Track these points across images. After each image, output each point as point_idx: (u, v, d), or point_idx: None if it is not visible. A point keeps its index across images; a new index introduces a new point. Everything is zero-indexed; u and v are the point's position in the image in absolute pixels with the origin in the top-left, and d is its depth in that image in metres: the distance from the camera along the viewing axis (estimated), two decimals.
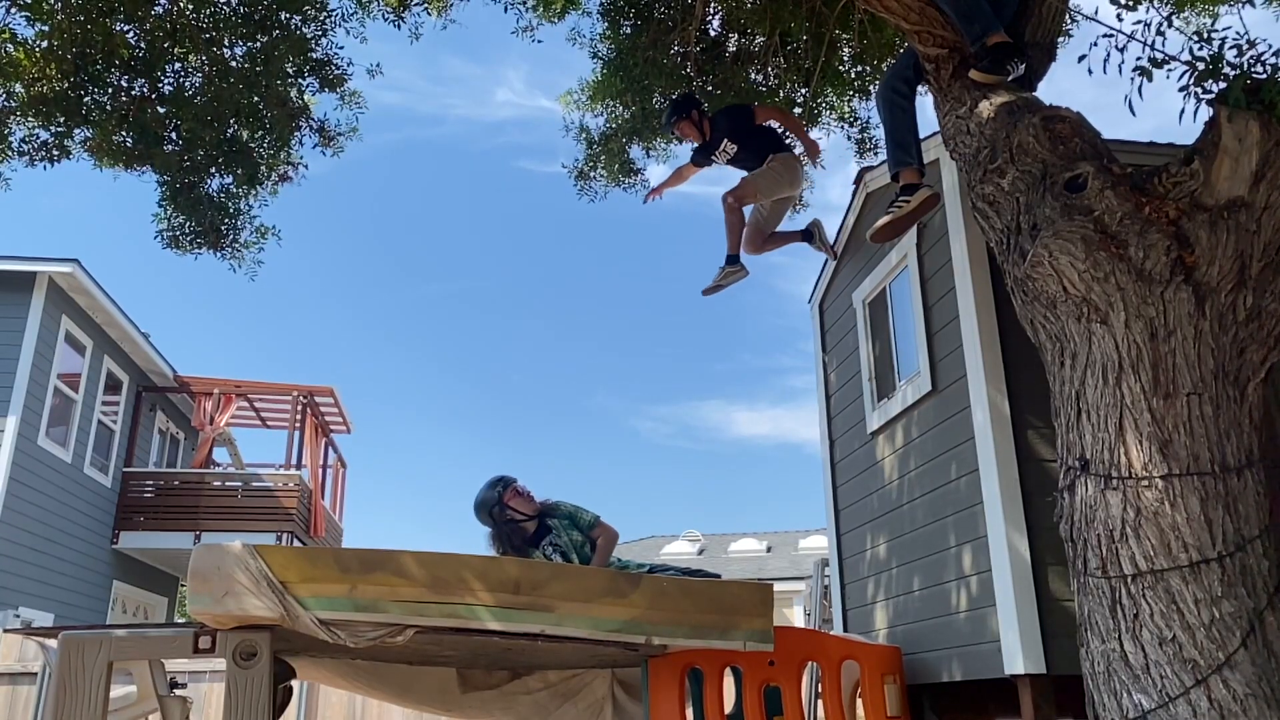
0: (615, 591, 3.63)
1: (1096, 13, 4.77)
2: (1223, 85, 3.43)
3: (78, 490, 12.68)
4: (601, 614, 3.57)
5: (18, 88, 6.33)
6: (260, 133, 6.98)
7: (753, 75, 7.43)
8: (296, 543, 14.37)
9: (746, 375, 61.90)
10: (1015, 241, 3.64)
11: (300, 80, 7.00)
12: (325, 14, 6.72)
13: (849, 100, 7.77)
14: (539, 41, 7.25)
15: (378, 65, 7.06)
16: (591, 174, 7.90)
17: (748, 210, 6.21)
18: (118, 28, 6.32)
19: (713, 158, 6.28)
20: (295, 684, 5.35)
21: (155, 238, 7.02)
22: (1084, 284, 3.31)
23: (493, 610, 3.45)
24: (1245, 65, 3.42)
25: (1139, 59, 3.66)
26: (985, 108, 3.95)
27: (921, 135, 4.51)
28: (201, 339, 57.35)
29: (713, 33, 7.33)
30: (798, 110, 7.67)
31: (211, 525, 13.75)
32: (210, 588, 3.31)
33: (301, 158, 7.36)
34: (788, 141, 6.36)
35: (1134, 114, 3.62)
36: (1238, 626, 2.93)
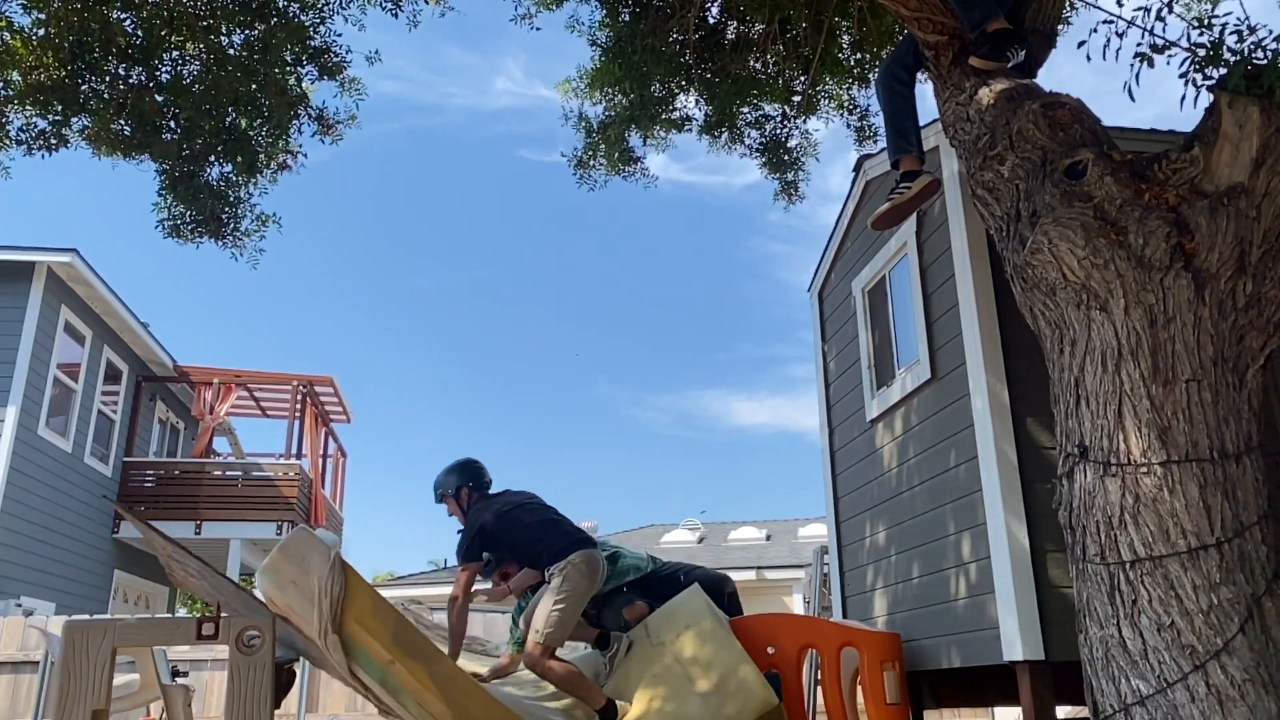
0: None
1: None
2: (1223, 71, 3.42)
3: (78, 480, 12.69)
4: None
5: (15, 76, 6.31)
6: (259, 121, 6.95)
7: (751, 63, 7.40)
8: None
9: (746, 364, 61.94)
10: (1015, 228, 3.64)
11: (299, 68, 6.97)
12: (323, 1, 6.70)
13: (848, 88, 7.75)
14: (537, 29, 7.22)
15: (376, 53, 7.02)
16: (591, 162, 7.89)
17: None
18: (115, 16, 6.29)
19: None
20: (297, 667, 5.37)
21: (156, 227, 7.00)
22: (1083, 271, 3.31)
23: None
24: (1246, 51, 3.41)
25: (1139, 45, 3.65)
26: (985, 94, 3.94)
27: (921, 122, 4.50)
28: (201, 329, 57.36)
29: (711, 20, 7.30)
30: (796, 99, 7.66)
31: (212, 515, 13.77)
32: (286, 571, 3.35)
33: (300, 146, 7.34)
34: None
35: (1133, 100, 3.62)
36: (1236, 612, 2.94)
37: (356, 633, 3.37)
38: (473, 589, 4.91)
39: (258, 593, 3.56)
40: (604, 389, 61.59)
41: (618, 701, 4.57)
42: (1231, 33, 3.47)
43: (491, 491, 5.15)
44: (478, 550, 4.86)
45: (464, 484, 5.12)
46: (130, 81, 6.58)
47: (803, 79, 7.49)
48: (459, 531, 5.01)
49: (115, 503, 4.38)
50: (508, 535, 4.91)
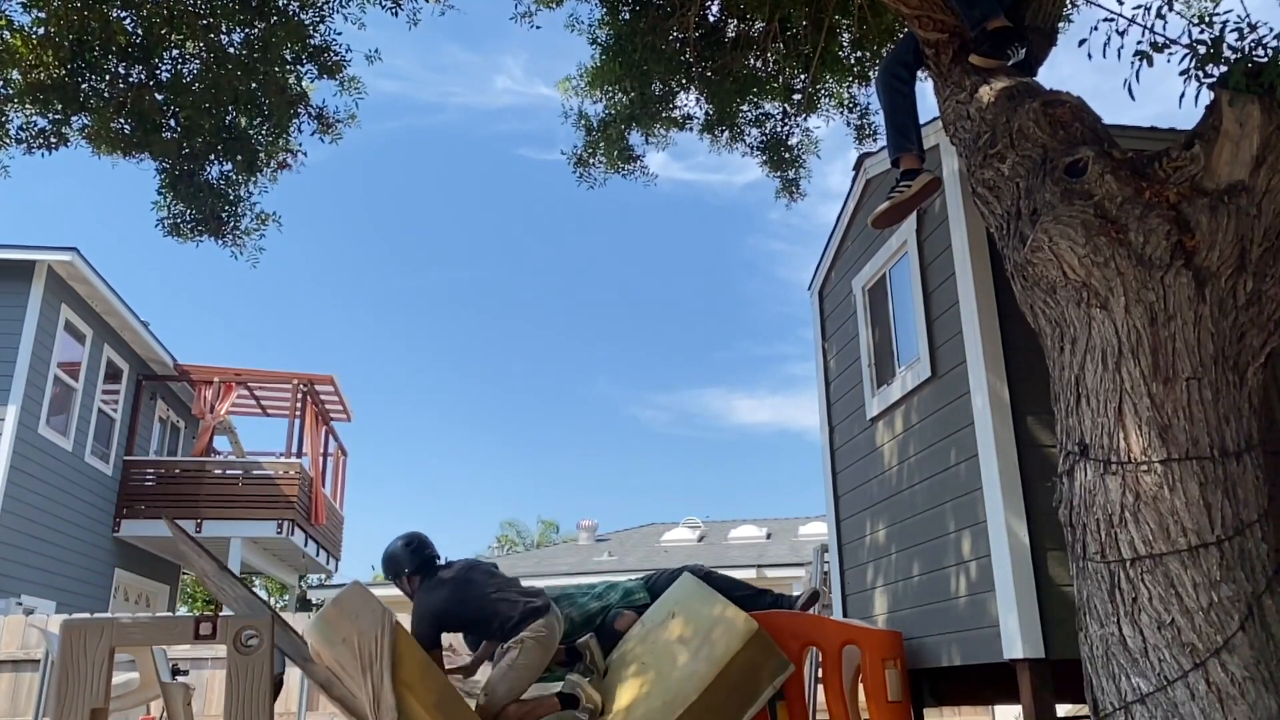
0: None
1: None
2: (1224, 69, 3.41)
3: (79, 479, 12.70)
4: None
5: (15, 75, 6.31)
6: (259, 120, 6.95)
7: (752, 61, 7.40)
8: (298, 530, 14.41)
9: (746, 363, 61.89)
10: (1015, 226, 3.63)
11: (299, 67, 6.97)
12: None
13: (848, 86, 7.74)
14: (537, 28, 7.23)
15: (376, 51, 7.02)
16: (591, 161, 7.89)
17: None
18: (115, 14, 6.29)
19: None
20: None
21: (156, 226, 7.01)
22: (1084, 269, 3.31)
23: None
24: (1246, 49, 3.41)
25: (1139, 43, 3.64)
26: (985, 93, 3.94)
27: (921, 121, 4.50)
28: (201, 327, 57.28)
29: (712, 18, 7.30)
30: (796, 97, 7.66)
31: (212, 513, 13.78)
32: (338, 626, 3.38)
33: (300, 145, 7.34)
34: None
35: (1134, 98, 3.61)
36: (1236, 610, 2.94)
37: (402, 694, 3.41)
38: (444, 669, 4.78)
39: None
40: (604, 388, 61.57)
41: (595, 684, 4.66)
42: (1232, 30, 3.46)
43: (439, 563, 5.01)
44: (435, 636, 4.76)
45: (405, 568, 4.95)
46: (130, 80, 6.58)
47: (803, 77, 7.49)
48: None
49: (168, 519, 4.39)
50: (457, 616, 4.85)
